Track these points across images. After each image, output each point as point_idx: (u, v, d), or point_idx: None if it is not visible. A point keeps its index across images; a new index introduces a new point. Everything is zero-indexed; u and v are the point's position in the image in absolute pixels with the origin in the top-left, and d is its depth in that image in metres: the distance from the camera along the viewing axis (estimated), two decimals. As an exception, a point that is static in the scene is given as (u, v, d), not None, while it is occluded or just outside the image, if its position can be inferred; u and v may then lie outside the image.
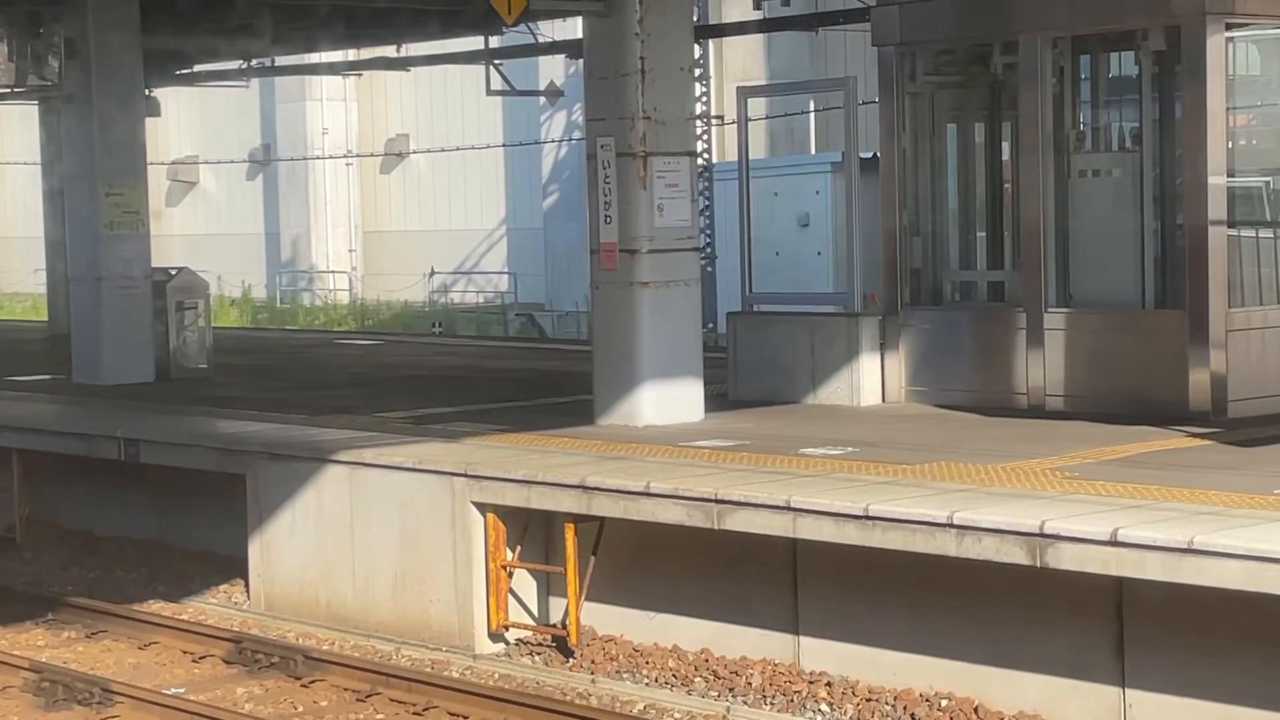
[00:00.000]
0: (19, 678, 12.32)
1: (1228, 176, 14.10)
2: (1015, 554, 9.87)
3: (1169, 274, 14.62)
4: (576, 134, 34.90)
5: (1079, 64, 15.33)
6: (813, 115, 30.66)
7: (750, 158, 17.59)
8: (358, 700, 11.75)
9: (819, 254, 25.78)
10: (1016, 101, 15.18)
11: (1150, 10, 14.31)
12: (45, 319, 29.19)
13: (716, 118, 31.68)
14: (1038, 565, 9.81)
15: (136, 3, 19.58)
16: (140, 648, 13.49)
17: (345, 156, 42.76)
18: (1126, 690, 10.15)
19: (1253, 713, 9.61)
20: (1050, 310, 14.83)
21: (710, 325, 25.41)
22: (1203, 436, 13.02)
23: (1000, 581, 10.39)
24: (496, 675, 12.29)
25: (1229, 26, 14.08)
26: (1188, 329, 13.97)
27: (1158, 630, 10.01)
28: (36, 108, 28.79)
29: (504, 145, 38.91)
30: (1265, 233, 14.88)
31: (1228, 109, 14.15)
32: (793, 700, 11.16)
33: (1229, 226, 14.08)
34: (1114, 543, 9.48)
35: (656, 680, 11.84)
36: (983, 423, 14.36)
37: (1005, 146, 16.02)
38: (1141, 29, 14.49)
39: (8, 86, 20.46)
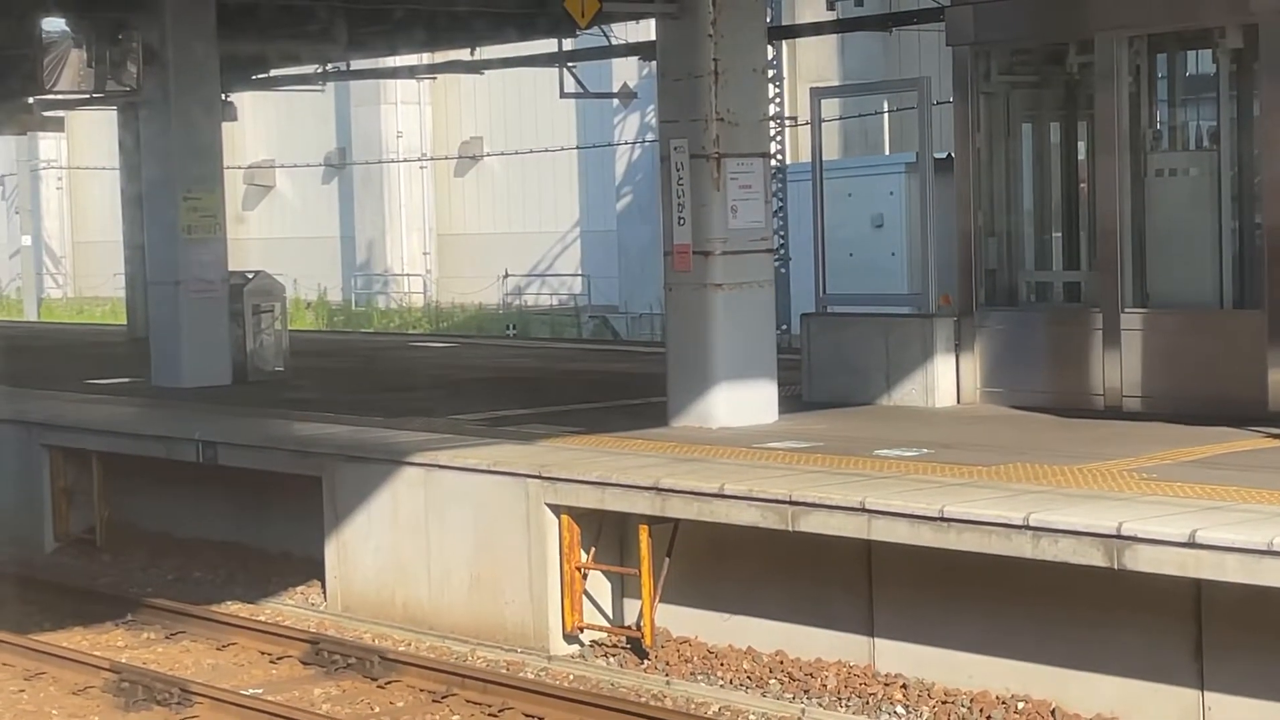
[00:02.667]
0: (99, 678, 12.43)
1: (1307, 175, 13.97)
2: (1092, 556, 9.83)
3: (1247, 273, 14.50)
4: (650, 136, 34.92)
5: (1155, 62, 15.23)
6: (887, 116, 30.59)
7: (824, 159, 17.54)
8: (433, 701, 11.80)
9: (893, 255, 25.70)
10: (1092, 101, 15.11)
11: (1228, 8, 14.19)
12: (124, 323, 29.44)
13: (790, 119, 31.61)
14: (1115, 567, 9.76)
15: (214, 8, 19.72)
16: (218, 649, 13.58)
17: (420, 160, 42.94)
18: (1205, 693, 10.07)
19: (1334, 716, 9.53)
20: (1127, 311, 14.74)
21: (784, 327, 25.32)
22: (1282, 437, 12.92)
23: (1077, 583, 10.33)
24: (571, 677, 12.31)
25: (1309, 23, 13.94)
26: (1267, 329, 13.85)
27: (1237, 632, 9.93)
28: (115, 113, 29.05)
29: (577, 148, 38.96)
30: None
31: (1307, 107, 14.01)
32: (868, 702, 11.13)
33: (1308, 225, 13.95)
34: (1192, 544, 9.42)
35: (731, 682, 11.83)
36: (1059, 424, 14.28)
37: (1081, 146, 15.95)
38: (1219, 27, 14.38)
39: (87, 92, 20.63)
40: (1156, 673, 10.24)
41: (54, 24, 20.25)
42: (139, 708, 11.81)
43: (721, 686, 11.80)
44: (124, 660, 12.97)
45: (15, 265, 49.49)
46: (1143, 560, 9.64)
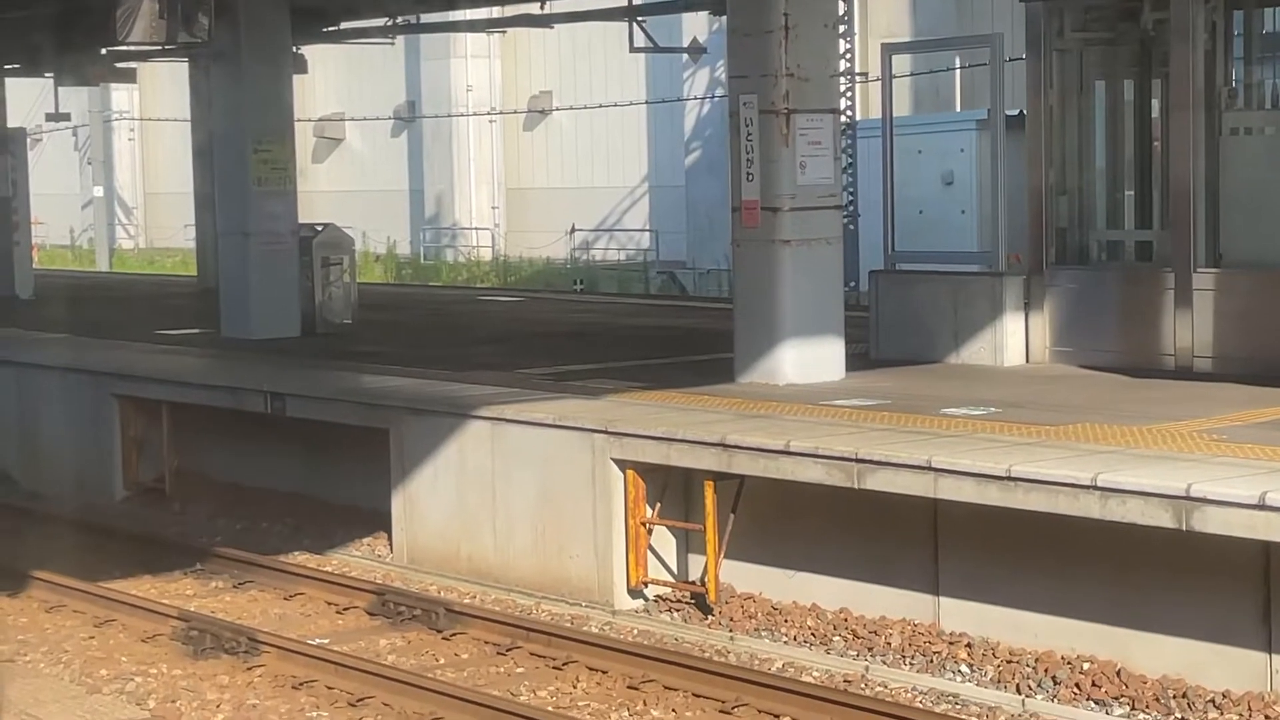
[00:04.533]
0: (168, 626, 12.56)
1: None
2: (1160, 517, 9.78)
3: (1323, 234, 14.37)
4: (719, 91, 34.79)
5: (1232, 20, 15.07)
6: (958, 72, 30.40)
7: (894, 115, 17.46)
8: (498, 654, 11.86)
9: (963, 213, 25.54)
10: (1167, 58, 14.96)
11: (1306, -36, 14.04)
12: (194, 274, 29.64)
13: (860, 75, 31.44)
14: (1183, 529, 9.72)
15: (284, -39, 19.78)
16: (285, 598, 13.69)
17: (489, 114, 42.95)
18: (1273, 656, 10.02)
19: (1403, 681, 9.47)
20: (1199, 271, 14.63)
21: (852, 284, 25.23)
22: (1355, 400, 12.81)
23: (1144, 544, 10.29)
24: (635, 631, 12.35)
25: (1389, -20, 13.78)
26: (1341, 290, 13.73)
27: (1306, 596, 9.88)
28: (186, 65, 29.17)
29: (646, 103, 38.89)
30: None
31: (1386, 65, 13.86)
32: (932, 661, 11.13)
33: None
34: (1262, 506, 9.36)
35: (795, 639, 11.85)
36: (1128, 384, 14.20)
37: (1154, 104, 15.80)
38: (1297, -17, 14.22)
39: (159, 44, 20.71)
40: (1223, 635, 10.19)
41: (126, -25, 20.32)
42: (207, 656, 11.92)
43: (785, 643, 11.82)
44: (192, 609, 13.09)
45: (88, 216, 49.85)
46: (1211, 522, 9.59)
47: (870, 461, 11.18)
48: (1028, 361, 15.63)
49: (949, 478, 10.79)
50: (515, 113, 42.82)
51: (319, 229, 20.88)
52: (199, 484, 17.23)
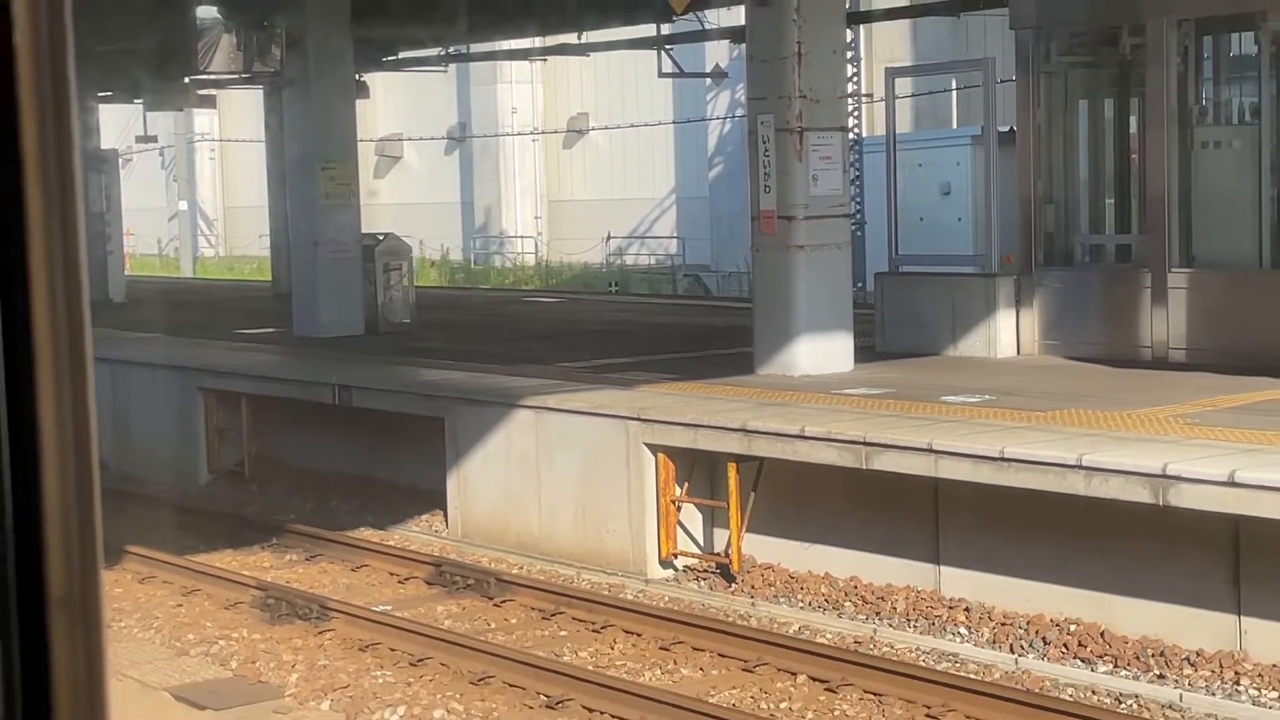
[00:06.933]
0: (248, 595, 12.60)
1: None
2: (1139, 493, 9.75)
3: (1285, 237, 14.29)
4: (739, 111, 34.73)
5: (1202, 44, 15.01)
6: (954, 93, 30.29)
7: (897, 132, 17.43)
8: (543, 619, 11.87)
9: (959, 220, 25.44)
10: (1144, 79, 14.90)
11: (1269, -7, 13.96)
12: (269, 279, 29.71)
13: (866, 96, 31.36)
14: (1160, 504, 9.69)
15: (348, -2, 19.83)
16: (352, 570, 13.73)
17: (532, 133, 42.95)
18: (1243, 618, 9.98)
19: (1360, 641, 9.42)
20: (1174, 270, 14.57)
21: (859, 284, 25.18)
22: (1316, 387, 12.74)
23: (1125, 518, 10.26)
24: (666, 598, 12.35)
25: (1345, 7, 13.70)
26: (1302, 288, 13.66)
27: (1272, 563, 9.83)
28: (262, 92, 29.23)
29: (673, 122, 38.85)
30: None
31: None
32: (934, 624, 11.11)
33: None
34: (1231, 484, 9.33)
35: (810, 604, 11.84)
36: (1110, 373, 14.15)
37: (1132, 121, 15.75)
38: (1260, 11, 14.14)
39: (236, 73, 20.79)
40: (1197, 599, 10.16)
41: (208, 12, 20.40)
42: (283, 621, 11.96)
43: (801, 608, 11.81)
44: (269, 579, 13.14)
45: (173, 228, 49.96)
46: (1186, 498, 9.56)
47: (877, 444, 11.17)
48: (1019, 353, 15.58)
49: (948, 459, 10.77)
50: (555, 132, 42.81)
51: (380, 238, 20.91)
52: (274, 468, 17.29)
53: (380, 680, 10.56)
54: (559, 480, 13.53)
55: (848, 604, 11.71)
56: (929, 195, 25.37)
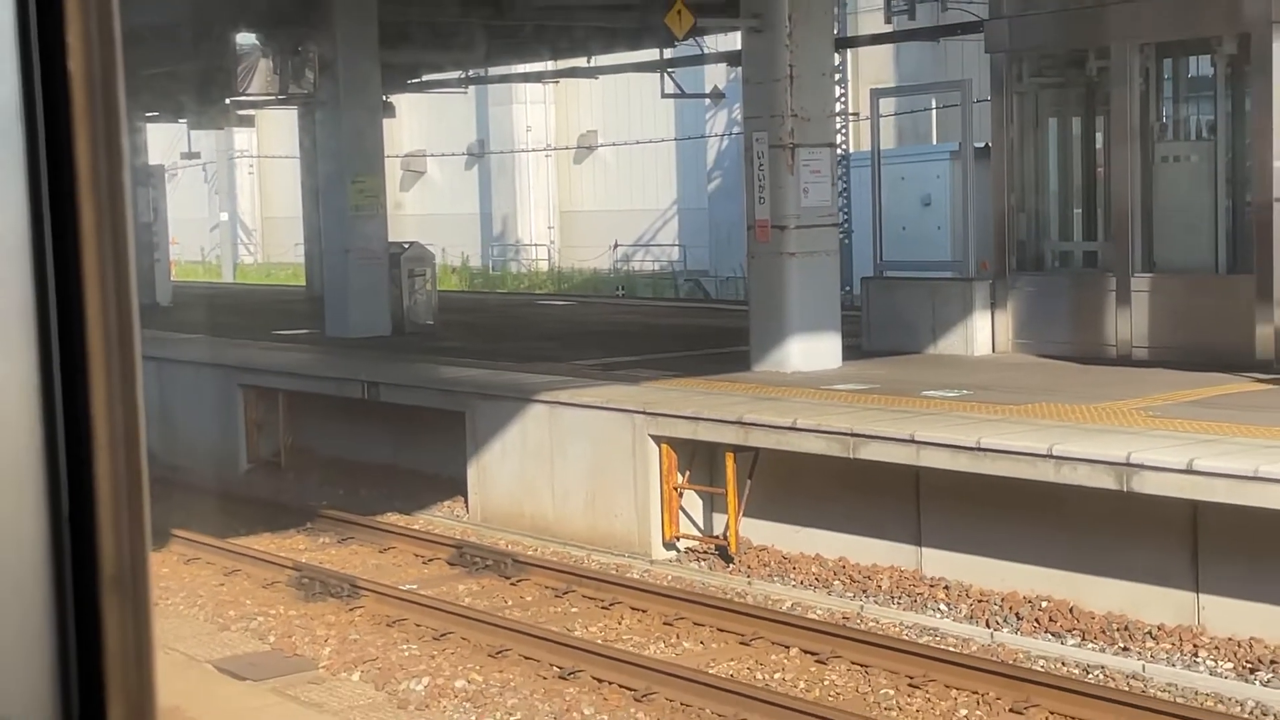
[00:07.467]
0: (284, 574, 12.62)
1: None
2: (1105, 480, 9.74)
3: (1239, 244, 14.28)
4: (736, 129, 34.71)
5: (1162, 66, 14.99)
6: (934, 112, 30.23)
7: (881, 148, 17.41)
8: (556, 596, 11.88)
9: (939, 228, 25.40)
10: (1108, 99, 14.89)
11: (1224, 20, 13.94)
12: (304, 284, 29.71)
13: (853, 114, 31.33)
14: (1125, 490, 9.68)
15: (375, 26, 19.81)
16: (380, 551, 13.73)
17: (545, 150, 42.94)
18: (1200, 595, 9.98)
19: (1309, 616, 9.42)
20: (1137, 275, 14.56)
21: (847, 288, 25.15)
22: (1267, 382, 12.73)
23: (1092, 503, 10.26)
24: (669, 577, 12.36)
25: (1293, 32, 13.68)
26: (1255, 290, 13.64)
27: (1227, 544, 9.83)
28: (296, 112, 29.23)
29: (675, 139, 38.85)
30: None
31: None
32: (916, 600, 11.11)
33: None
34: (1190, 471, 9.32)
35: (802, 583, 11.84)
36: (1078, 370, 14.15)
37: (1098, 137, 15.73)
38: (1216, 36, 14.14)
39: (273, 95, 20.79)
40: (1159, 578, 10.16)
41: (246, 39, 20.40)
42: (316, 599, 11.97)
43: (794, 586, 11.81)
44: (304, 560, 13.15)
45: (215, 236, 49.99)
46: (1148, 484, 9.55)
47: (863, 436, 11.17)
48: (994, 351, 15.57)
49: (929, 449, 10.76)
50: (567, 148, 42.80)
51: (406, 246, 20.91)
52: (308, 458, 17.30)
53: (406, 653, 10.57)
54: (570, 469, 13.53)
55: (836, 582, 11.71)
56: (911, 206, 25.35)
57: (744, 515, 12.45)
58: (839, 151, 27.25)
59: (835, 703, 9.19)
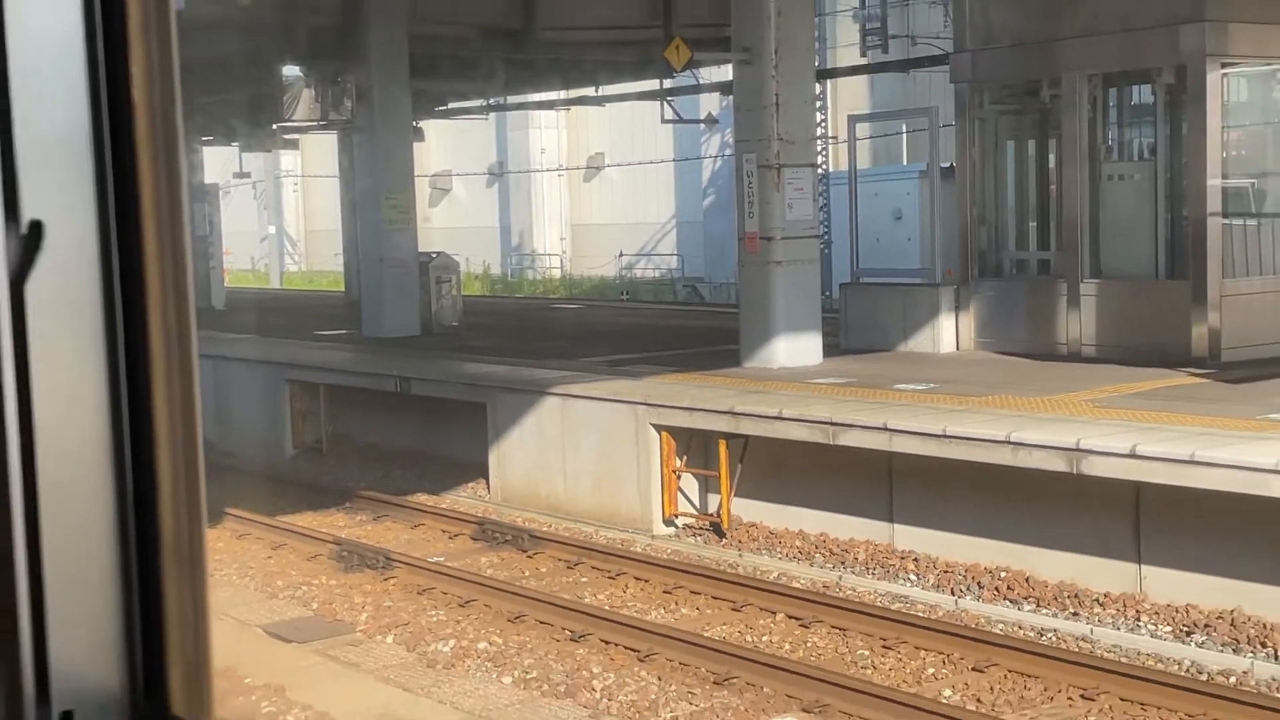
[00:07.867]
0: (326, 548, 12.62)
1: (1222, 179, 13.73)
2: (1057, 464, 9.74)
3: (1176, 253, 14.27)
4: (728, 151, 34.70)
5: (1108, 95, 14.98)
6: (904, 135, 30.22)
7: (857, 168, 17.40)
8: (568, 568, 11.88)
9: (909, 240, 25.40)
10: (1060, 124, 14.88)
11: (1164, 53, 13.93)
12: (343, 289, 29.70)
13: (832, 138, 31.32)
14: (1074, 473, 9.68)
15: (407, 60, 19.80)
16: (411, 528, 13.74)
17: (558, 169, 42.93)
18: (1142, 566, 9.97)
19: (1239, 583, 9.41)
20: (1085, 281, 14.55)
21: (827, 293, 25.15)
22: (1202, 376, 12.72)
23: (1045, 484, 10.25)
24: (669, 551, 12.36)
25: (1224, 65, 13.69)
26: (1191, 294, 13.63)
27: (1166, 520, 9.83)
28: (336, 136, 29.22)
29: (674, 160, 38.85)
30: (1251, 221, 14.46)
31: (1223, 127, 13.76)
32: (889, 571, 11.11)
33: (1223, 217, 13.72)
34: (1133, 455, 9.32)
35: (787, 556, 11.84)
36: (1033, 365, 14.14)
37: (1051, 158, 15.72)
38: (1157, 67, 14.12)
39: (315, 120, 20.79)
40: (1105, 550, 10.15)
41: (291, 70, 20.42)
42: (355, 570, 11.98)
43: (780, 559, 11.81)
44: (343, 535, 13.15)
45: (264, 247, 50.02)
46: (1096, 467, 9.55)
47: (842, 424, 11.16)
48: (958, 350, 15.56)
49: (900, 436, 10.76)
50: (577, 168, 42.78)
51: (433, 256, 20.91)
52: (347, 445, 17.31)
53: (435, 618, 10.57)
54: (580, 454, 13.53)
55: (818, 555, 11.71)
56: (884, 220, 25.35)
57: (735, 495, 12.45)
58: (820, 171, 27.25)
59: (817, 662, 9.19)
